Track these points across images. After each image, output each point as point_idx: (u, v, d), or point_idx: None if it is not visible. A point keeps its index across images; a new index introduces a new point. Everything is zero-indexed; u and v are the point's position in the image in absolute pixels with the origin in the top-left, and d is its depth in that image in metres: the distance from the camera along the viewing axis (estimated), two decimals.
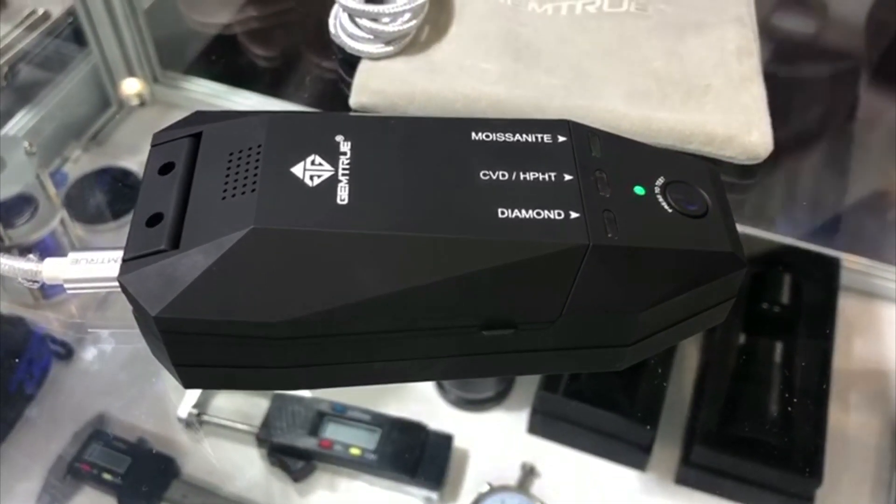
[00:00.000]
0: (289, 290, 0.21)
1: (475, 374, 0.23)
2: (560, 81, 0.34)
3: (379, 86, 0.35)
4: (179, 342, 0.21)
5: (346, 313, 0.21)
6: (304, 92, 0.44)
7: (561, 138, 0.24)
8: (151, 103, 0.55)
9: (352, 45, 0.36)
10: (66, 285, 0.24)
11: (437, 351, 0.22)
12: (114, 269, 0.22)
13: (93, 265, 0.24)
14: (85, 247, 0.48)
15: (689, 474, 0.38)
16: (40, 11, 0.52)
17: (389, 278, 0.21)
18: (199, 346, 0.21)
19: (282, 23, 0.49)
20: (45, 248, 0.45)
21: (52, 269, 0.24)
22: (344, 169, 0.23)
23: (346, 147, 0.23)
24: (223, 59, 0.48)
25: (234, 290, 0.21)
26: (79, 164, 0.50)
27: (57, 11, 0.53)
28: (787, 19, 0.47)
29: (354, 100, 0.35)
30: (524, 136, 0.24)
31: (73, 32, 0.53)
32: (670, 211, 0.23)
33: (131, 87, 0.53)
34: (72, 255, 0.24)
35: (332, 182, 0.22)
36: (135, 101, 0.52)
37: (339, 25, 0.36)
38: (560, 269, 0.21)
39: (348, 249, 0.21)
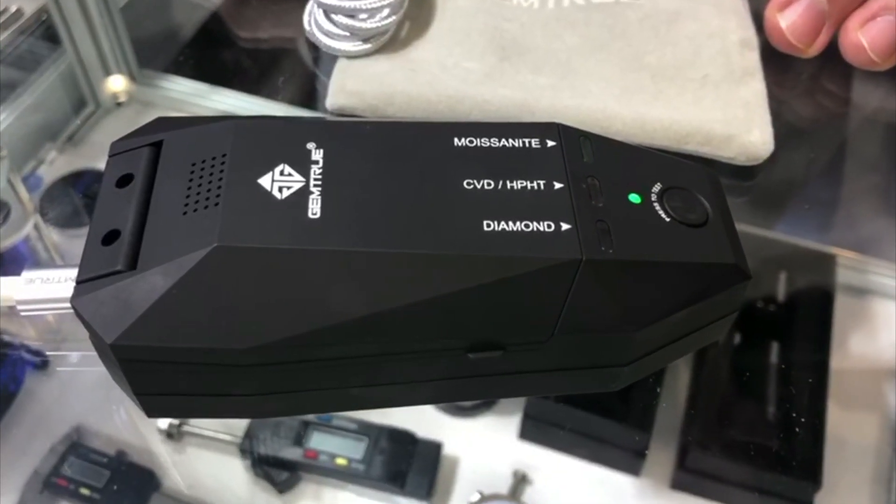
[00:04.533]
0: (257, 313, 0.19)
1: (461, 397, 0.22)
2: (548, 80, 0.33)
3: (356, 86, 0.33)
4: (139, 370, 0.20)
5: (319, 338, 0.19)
6: (286, 90, 0.43)
7: (550, 143, 0.23)
8: (129, 103, 0.53)
9: (327, 43, 0.34)
10: (19, 307, 0.22)
11: (419, 375, 0.21)
12: (70, 288, 0.21)
13: (48, 285, 0.22)
14: (61, 253, 0.47)
15: (685, 479, 0.37)
16: (12, 9, 0.51)
17: (366, 299, 0.20)
18: (161, 374, 0.20)
19: (264, 17, 0.48)
20: (18, 255, 0.44)
21: (5, 290, 0.22)
22: (316, 179, 0.21)
23: (318, 155, 0.22)
24: (202, 57, 0.47)
25: (196, 315, 0.19)
26: (54, 166, 0.49)
27: (30, 9, 0.51)
28: None
29: (331, 101, 0.34)
30: (510, 140, 0.23)
31: (46, 31, 0.51)
32: (668, 220, 0.22)
33: (118, 83, 0.52)
34: (26, 274, 0.22)
35: (303, 194, 0.21)
36: (123, 98, 0.51)
37: (313, 22, 0.35)
38: (551, 285, 0.20)
39: (320, 268, 0.20)
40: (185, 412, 0.23)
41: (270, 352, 0.19)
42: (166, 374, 0.20)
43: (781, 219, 0.41)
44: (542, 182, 0.22)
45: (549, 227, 0.21)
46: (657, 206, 0.22)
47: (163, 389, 0.21)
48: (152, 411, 0.22)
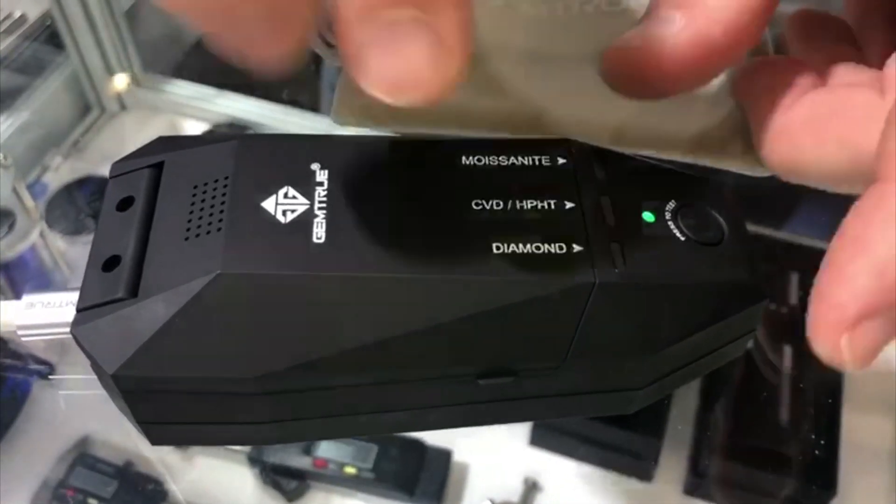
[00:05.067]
0: (262, 341, 0.19)
1: (471, 423, 0.21)
2: (558, 90, 0.32)
3: (361, 100, 0.32)
4: (142, 400, 0.19)
5: (325, 365, 0.19)
6: (292, 93, 0.42)
7: (560, 160, 0.22)
8: (133, 107, 0.53)
9: (330, 54, 0.34)
10: (19, 332, 0.22)
11: (428, 401, 0.21)
12: (72, 313, 0.20)
13: (49, 309, 0.22)
14: (66, 260, 0.46)
15: (698, 485, 0.37)
16: (17, 14, 0.50)
17: (373, 325, 0.19)
18: (165, 403, 0.19)
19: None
20: (24, 264, 0.44)
21: (5, 316, 0.22)
22: (321, 202, 0.20)
23: (322, 176, 0.21)
24: (206, 61, 0.47)
25: (200, 344, 0.19)
26: (59, 173, 0.49)
27: (34, 14, 0.51)
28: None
29: (335, 116, 0.33)
30: (520, 158, 0.22)
31: (50, 36, 0.51)
32: (683, 239, 0.21)
33: (121, 81, 0.52)
34: (26, 299, 0.22)
35: (308, 217, 0.20)
36: (126, 96, 0.51)
37: (317, 33, 0.34)
38: (563, 309, 0.19)
39: (326, 294, 0.19)
40: (190, 440, 0.23)
41: (275, 381, 0.19)
42: (170, 403, 0.20)
43: (793, 219, 0.40)
44: (552, 202, 0.21)
45: (560, 248, 0.20)
46: (671, 225, 0.21)
47: (166, 418, 0.20)
48: (157, 439, 0.21)
